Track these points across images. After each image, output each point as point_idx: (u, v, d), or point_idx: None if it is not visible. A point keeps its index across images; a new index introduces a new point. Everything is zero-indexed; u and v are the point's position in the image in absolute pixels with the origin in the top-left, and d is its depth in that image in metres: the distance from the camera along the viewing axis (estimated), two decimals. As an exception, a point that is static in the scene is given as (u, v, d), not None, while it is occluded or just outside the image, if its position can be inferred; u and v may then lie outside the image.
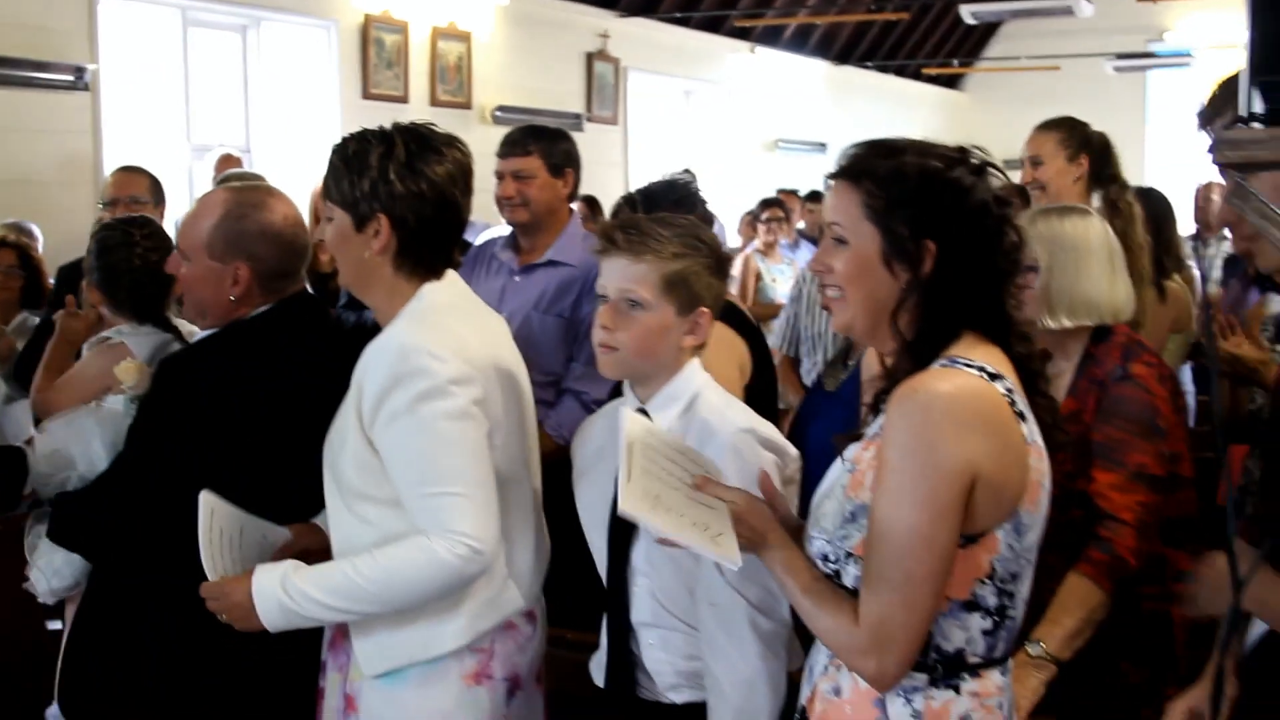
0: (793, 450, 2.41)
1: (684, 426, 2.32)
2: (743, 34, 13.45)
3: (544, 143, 3.80)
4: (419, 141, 2.41)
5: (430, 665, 2.39)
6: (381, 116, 2.47)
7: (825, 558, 1.92)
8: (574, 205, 4.00)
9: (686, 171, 3.68)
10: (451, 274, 2.51)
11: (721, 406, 2.37)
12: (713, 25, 13.01)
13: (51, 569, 2.93)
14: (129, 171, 4.59)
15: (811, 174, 12.34)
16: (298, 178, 7.08)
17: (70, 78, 7.30)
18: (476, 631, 2.40)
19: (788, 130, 14.29)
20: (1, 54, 6.94)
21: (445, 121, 2.56)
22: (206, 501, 2.41)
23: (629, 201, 3.62)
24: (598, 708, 2.52)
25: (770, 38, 13.98)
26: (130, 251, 3.13)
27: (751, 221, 8.97)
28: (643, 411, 2.34)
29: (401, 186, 2.36)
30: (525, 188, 3.75)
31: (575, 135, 4.08)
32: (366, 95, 9.09)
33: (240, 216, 2.67)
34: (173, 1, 8.18)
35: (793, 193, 10.14)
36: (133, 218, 3.37)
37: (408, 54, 9.42)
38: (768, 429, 2.40)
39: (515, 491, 2.47)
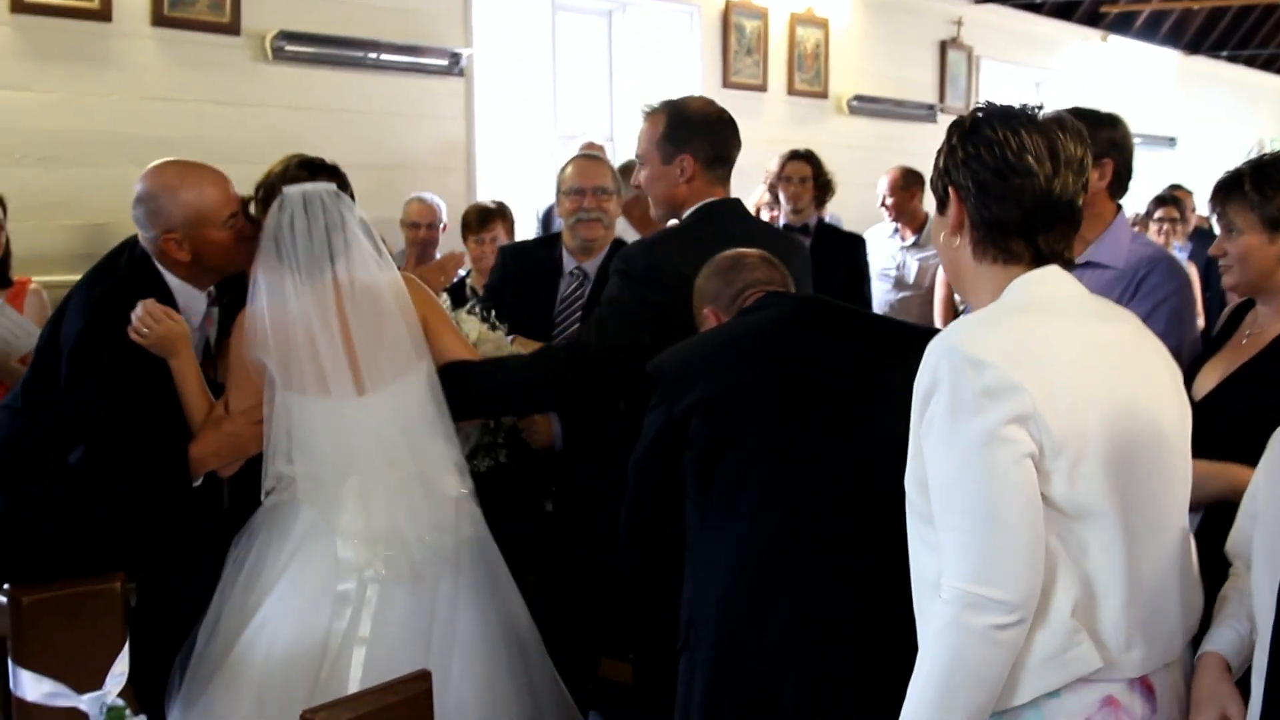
0: None
1: None
2: (1093, 20, 12.65)
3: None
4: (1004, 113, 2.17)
5: None
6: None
7: None
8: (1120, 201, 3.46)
9: None
10: (1057, 270, 2.16)
11: None
12: (1064, 11, 12.22)
13: None
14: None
15: (1159, 170, 11.48)
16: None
17: (445, 63, 7.21)
18: (1038, 689, 2.04)
19: (1136, 123, 13.28)
20: (381, 39, 6.87)
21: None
22: None
23: None
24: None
25: (1122, 25, 13.09)
26: None
27: (1143, 221, 8.18)
28: None
29: (964, 153, 2.15)
30: None
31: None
32: (727, 84, 8.74)
33: None
34: (543, -14, 8.02)
35: (1187, 190, 9.04)
36: None
37: (767, 41, 9.04)
38: None
39: (1096, 528, 2.05)
